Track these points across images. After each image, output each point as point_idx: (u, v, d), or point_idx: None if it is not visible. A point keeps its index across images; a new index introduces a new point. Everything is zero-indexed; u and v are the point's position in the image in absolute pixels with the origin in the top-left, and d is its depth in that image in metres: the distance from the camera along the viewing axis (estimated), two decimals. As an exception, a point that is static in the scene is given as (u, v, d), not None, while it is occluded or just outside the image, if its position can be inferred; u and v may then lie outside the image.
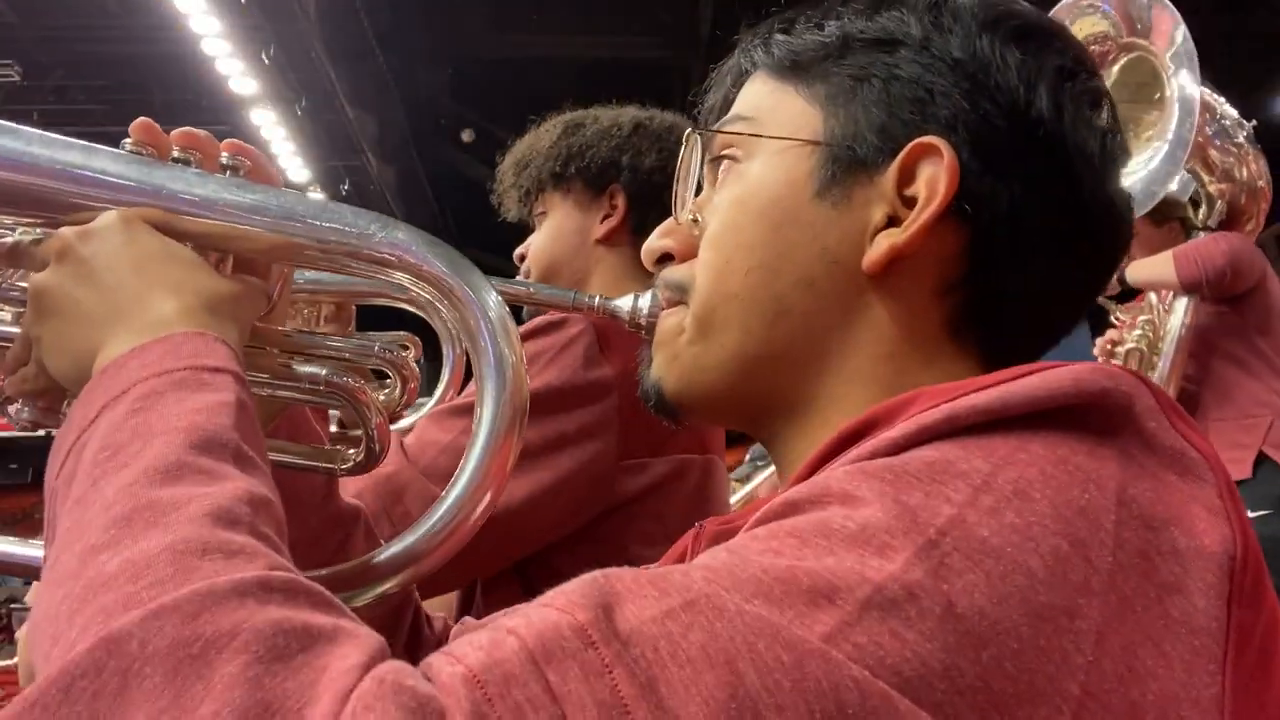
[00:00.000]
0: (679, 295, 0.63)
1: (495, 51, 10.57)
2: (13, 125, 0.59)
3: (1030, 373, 0.46)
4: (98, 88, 7.83)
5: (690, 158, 0.65)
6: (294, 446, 0.69)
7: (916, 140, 0.56)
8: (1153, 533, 0.41)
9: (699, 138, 0.65)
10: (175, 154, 0.63)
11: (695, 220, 0.64)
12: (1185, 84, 2.54)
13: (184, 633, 0.36)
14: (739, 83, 0.66)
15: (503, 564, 1.19)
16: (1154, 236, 2.84)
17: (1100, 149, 0.58)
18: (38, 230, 0.61)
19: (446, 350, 1.32)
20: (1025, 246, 0.56)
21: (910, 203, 0.56)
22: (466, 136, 11.34)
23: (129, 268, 0.55)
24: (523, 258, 1.46)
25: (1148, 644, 0.39)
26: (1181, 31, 2.50)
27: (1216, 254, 2.64)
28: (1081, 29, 2.83)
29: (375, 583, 0.58)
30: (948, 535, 0.39)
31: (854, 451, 0.46)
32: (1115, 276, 2.99)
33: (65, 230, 0.57)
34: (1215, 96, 2.83)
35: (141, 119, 0.63)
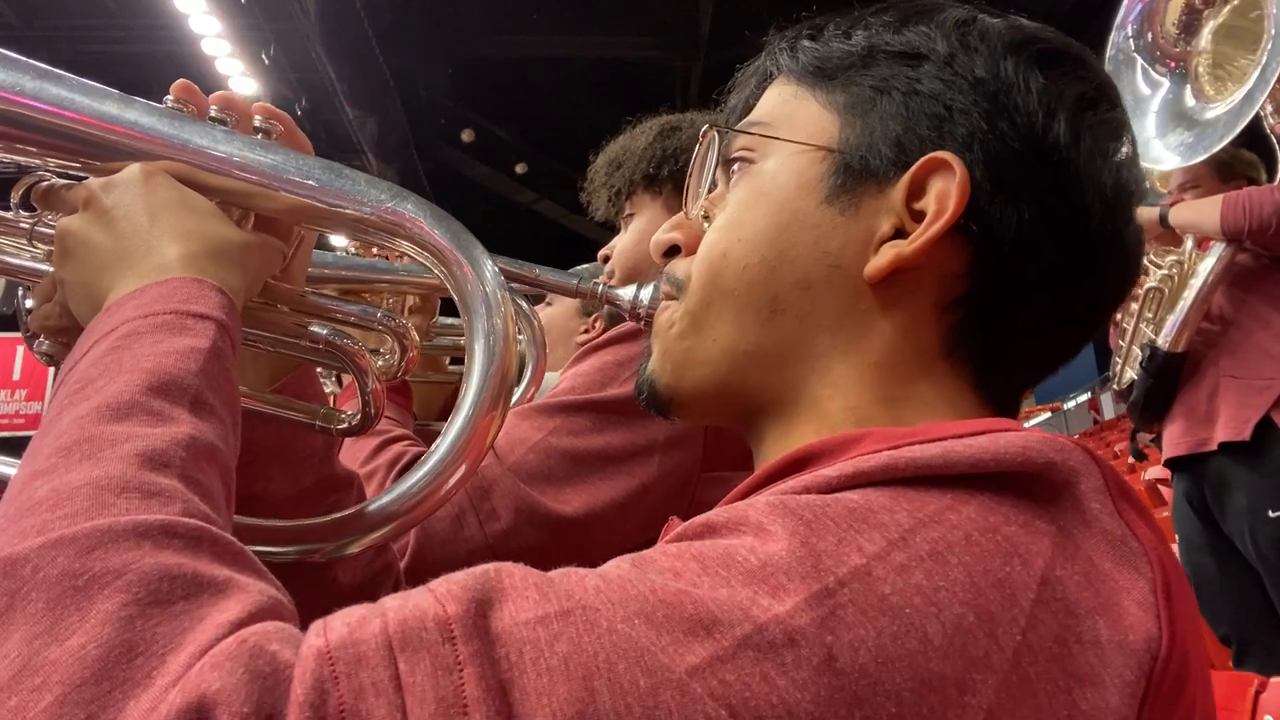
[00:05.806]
0: (675, 291, 0.63)
1: (495, 51, 10.57)
2: (60, 72, 0.62)
3: (982, 431, 0.45)
4: (98, 88, 7.82)
5: (707, 154, 0.65)
6: (294, 403, 0.70)
7: (930, 154, 0.55)
8: (1074, 619, 0.40)
9: (716, 136, 0.65)
10: (213, 113, 0.66)
11: (706, 216, 0.64)
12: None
13: (74, 565, 0.38)
14: (763, 85, 0.65)
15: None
16: (1216, 191, 2.63)
17: (1114, 181, 0.57)
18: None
19: (528, 351, 1.33)
20: (1029, 272, 0.55)
21: (918, 216, 0.56)
22: (466, 136, 11.34)
23: (144, 215, 0.57)
24: (607, 258, 1.43)
25: None
26: None
27: (1267, 204, 2.45)
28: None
29: (355, 535, 0.60)
30: (847, 586, 0.37)
31: (789, 482, 0.45)
32: (1159, 217, 2.69)
33: (91, 180, 0.60)
34: None
35: (182, 80, 0.66)
